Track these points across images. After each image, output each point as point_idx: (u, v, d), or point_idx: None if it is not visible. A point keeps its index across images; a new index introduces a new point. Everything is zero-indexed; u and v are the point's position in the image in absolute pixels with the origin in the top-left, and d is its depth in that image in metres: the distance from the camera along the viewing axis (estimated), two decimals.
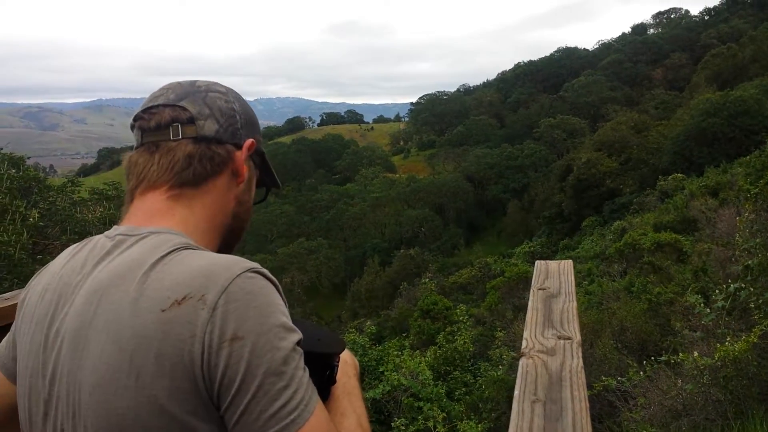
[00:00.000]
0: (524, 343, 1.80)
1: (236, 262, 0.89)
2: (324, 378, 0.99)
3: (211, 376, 0.81)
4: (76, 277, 0.95)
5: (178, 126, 1.01)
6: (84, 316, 0.89)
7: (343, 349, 1.05)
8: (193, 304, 0.83)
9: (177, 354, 0.81)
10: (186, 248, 0.93)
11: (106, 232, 1.01)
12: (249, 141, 1.09)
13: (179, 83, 1.08)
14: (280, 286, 0.92)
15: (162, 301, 0.84)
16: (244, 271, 0.87)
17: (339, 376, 1.04)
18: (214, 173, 1.03)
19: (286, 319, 0.87)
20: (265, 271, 0.92)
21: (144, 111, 1.04)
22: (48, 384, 0.91)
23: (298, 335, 0.88)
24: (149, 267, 0.88)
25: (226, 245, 1.10)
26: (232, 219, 1.09)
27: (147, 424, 0.82)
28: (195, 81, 1.09)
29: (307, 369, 0.87)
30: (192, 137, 1.02)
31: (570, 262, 2.67)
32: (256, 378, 0.81)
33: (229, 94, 1.10)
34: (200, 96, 1.05)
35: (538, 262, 2.68)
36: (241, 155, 1.07)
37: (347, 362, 1.09)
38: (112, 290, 0.88)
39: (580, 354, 1.71)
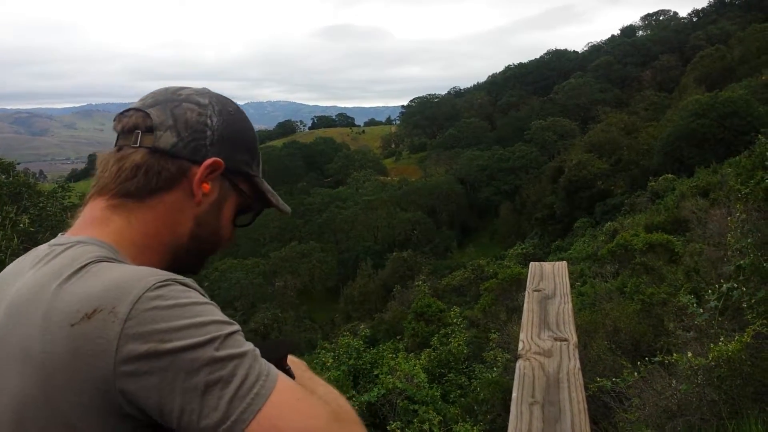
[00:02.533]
0: (521, 345, 1.79)
1: (151, 273, 0.84)
2: None
3: (139, 390, 0.76)
4: (7, 288, 0.92)
5: (138, 133, 0.98)
6: (2, 331, 0.86)
7: (291, 348, 1.01)
8: (104, 317, 0.78)
9: (87, 371, 0.77)
10: (104, 260, 0.88)
11: (50, 240, 0.98)
12: (210, 160, 0.99)
13: (167, 88, 1.04)
14: (205, 294, 0.87)
15: (71, 315, 0.79)
16: (158, 281, 0.82)
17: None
18: (161, 189, 0.98)
19: (216, 316, 0.82)
20: (186, 279, 0.87)
21: (122, 112, 1.03)
22: None
23: (234, 326, 0.83)
24: (64, 280, 0.84)
25: (183, 265, 1.04)
26: (189, 240, 1.02)
27: None
28: (184, 88, 1.04)
29: (257, 349, 0.84)
30: (148, 147, 0.97)
31: (564, 263, 2.66)
32: (200, 372, 0.76)
33: (210, 107, 1.02)
34: (172, 105, 1.00)
35: (532, 264, 2.67)
36: (199, 172, 0.99)
37: (294, 361, 1.04)
38: (27, 305, 0.85)
39: (577, 355, 1.70)
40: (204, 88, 1.06)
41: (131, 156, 0.97)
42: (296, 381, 0.93)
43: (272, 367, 0.83)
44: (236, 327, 0.83)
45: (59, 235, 0.99)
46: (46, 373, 0.78)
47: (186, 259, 1.05)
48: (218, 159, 1.00)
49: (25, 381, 0.80)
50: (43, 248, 0.95)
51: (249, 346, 0.82)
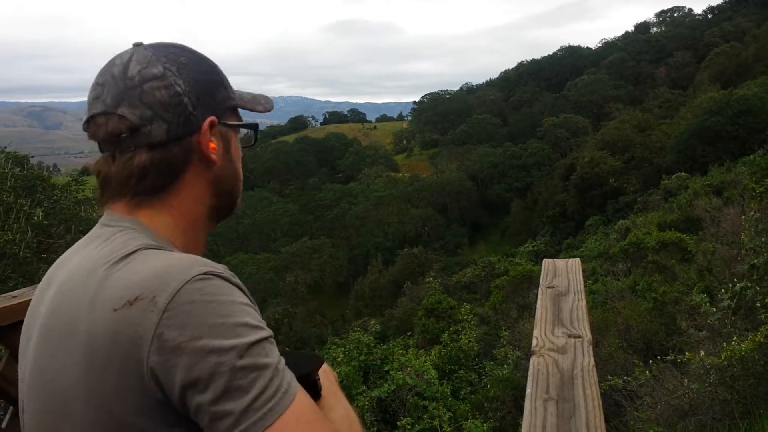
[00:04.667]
0: (534, 342, 1.79)
1: (194, 264, 0.86)
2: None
3: (168, 379, 0.79)
4: (62, 266, 0.98)
5: (125, 137, 0.94)
6: (52, 309, 0.92)
7: (322, 363, 1.04)
8: (144, 306, 0.81)
9: (125, 355, 0.80)
10: (150, 248, 0.91)
11: (102, 219, 1.01)
12: (207, 121, 0.99)
13: (112, 75, 0.96)
14: (245, 289, 0.89)
15: (115, 300, 0.83)
16: (200, 273, 0.84)
17: (321, 382, 1.03)
18: (177, 175, 0.98)
19: (250, 318, 0.84)
20: (226, 273, 0.88)
21: (88, 121, 0.98)
22: (22, 386, 0.94)
23: (265, 332, 0.85)
24: (112, 264, 0.88)
25: (219, 217, 1.09)
26: (216, 198, 1.05)
27: (95, 420, 0.83)
28: (128, 66, 0.96)
29: (282, 359, 0.85)
30: (145, 145, 0.94)
31: (578, 260, 2.65)
32: (221, 376, 0.78)
33: (168, 72, 0.96)
34: (136, 94, 0.94)
35: (545, 261, 2.67)
36: (203, 140, 0.99)
37: (326, 371, 1.07)
38: (78, 286, 0.89)
39: (591, 352, 1.70)
40: (140, 48, 0.99)
41: (133, 160, 0.95)
42: (322, 393, 0.99)
43: (294, 383, 0.84)
44: (266, 333, 0.85)
45: (107, 214, 1.00)
46: (89, 353, 0.83)
47: (219, 213, 1.08)
48: (211, 118, 1.00)
49: (70, 360, 0.85)
50: (95, 229, 0.99)
51: (274, 357, 0.84)
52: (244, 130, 1.12)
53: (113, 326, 0.81)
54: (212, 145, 1.00)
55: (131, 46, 1.01)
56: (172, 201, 0.99)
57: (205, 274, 0.84)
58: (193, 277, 0.83)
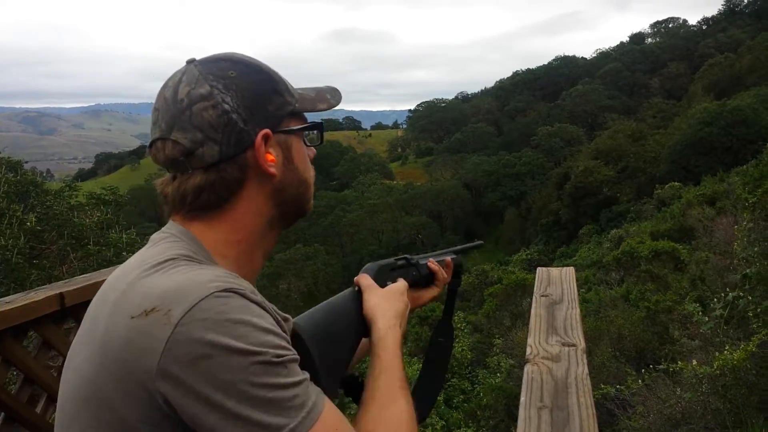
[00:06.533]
0: (528, 350, 1.79)
1: (215, 280, 0.84)
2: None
3: (174, 393, 0.78)
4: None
5: (182, 161, 0.95)
6: (91, 304, 0.94)
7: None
8: (158, 317, 0.80)
9: (135, 362, 0.80)
10: (184, 259, 0.91)
11: (164, 227, 1.02)
12: (260, 135, 0.96)
13: (165, 99, 0.96)
14: (268, 306, 0.88)
15: (134, 308, 0.83)
16: (218, 290, 0.82)
17: (377, 332, 1.16)
18: (232, 192, 0.97)
19: (269, 338, 0.82)
20: (247, 291, 0.86)
21: (150, 146, 1.00)
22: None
23: (282, 352, 0.83)
24: (142, 272, 0.89)
25: (287, 223, 1.08)
26: (277, 209, 1.03)
27: (98, 417, 0.83)
28: (177, 89, 0.96)
29: (306, 380, 0.85)
30: (200, 167, 0.95)
31: (572, 269, 2.67)
32: (227, 399, 0.77)
33: (215, 90, 0.95)
34: (186, 117, 0.94)
35: (539, 269, 2.68)
36: (258, 154, 0.96)
37: (386, 314, 1.21)
38: (108, 289, 0.92)
39: (585, 361, 1.70)
40: (191, 67, 0.99)
41: (189, 181, 0.96)
42: (375, 371, 1.04)
43: (320, 401, 0.85)
44: (279, 356, 0.82)
45: (169, 222, 1.01)
46: (102, 354, 0.84)
47: (284, 220, 1.07)
48: (264, 131, 0.97)
49: (87, 356, 0.86)
50: (154, 235, 1.00)
51: (293, 377, 0.83)
52: (312, 131, 1.11)
53: (127, 333, 0.82)
54: (270, 156, 0.98)
55: (185, 64, 1.01)
56: (228, 215, 0.98)
57: (224, 291, 0.83)
58: (211, 293, 0.81)
